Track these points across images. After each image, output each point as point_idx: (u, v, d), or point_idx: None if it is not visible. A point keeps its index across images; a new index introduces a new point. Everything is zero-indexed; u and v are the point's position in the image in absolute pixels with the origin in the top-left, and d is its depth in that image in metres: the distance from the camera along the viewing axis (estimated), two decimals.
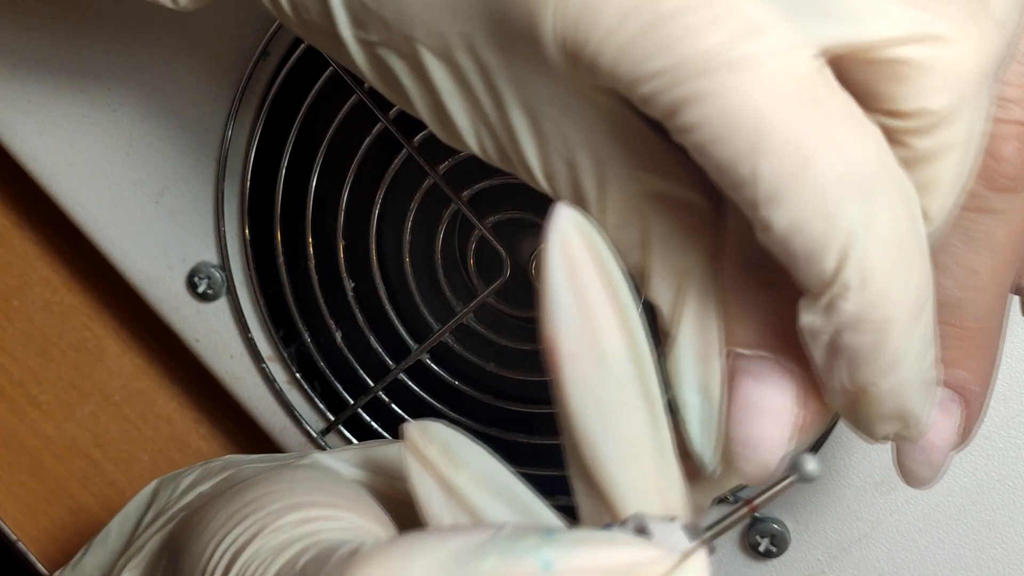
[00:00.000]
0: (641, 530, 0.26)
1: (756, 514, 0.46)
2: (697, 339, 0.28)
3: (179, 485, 0.38)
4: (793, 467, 0.26)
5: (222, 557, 0.29)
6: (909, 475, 0.32)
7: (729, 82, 0.24)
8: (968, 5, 0.25)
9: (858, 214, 0.25)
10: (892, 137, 0.26)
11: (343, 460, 0.36)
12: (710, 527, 0.26)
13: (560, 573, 0.23)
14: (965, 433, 0.32)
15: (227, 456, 0.39)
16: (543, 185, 0.29)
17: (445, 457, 0.29)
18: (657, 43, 0.24)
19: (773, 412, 0.28)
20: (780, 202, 0.24)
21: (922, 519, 0.45)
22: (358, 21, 0.29)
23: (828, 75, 0.25)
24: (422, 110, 0.30)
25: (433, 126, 0.30)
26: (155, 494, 0.39)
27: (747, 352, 0.28)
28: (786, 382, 0.28)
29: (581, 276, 0.27)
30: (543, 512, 0.29)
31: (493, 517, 0.28)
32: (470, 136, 0.29)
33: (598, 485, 0.28)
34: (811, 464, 0.26)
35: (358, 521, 0.30)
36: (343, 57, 0.30)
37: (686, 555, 0.24)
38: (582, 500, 0.28)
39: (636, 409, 0.27)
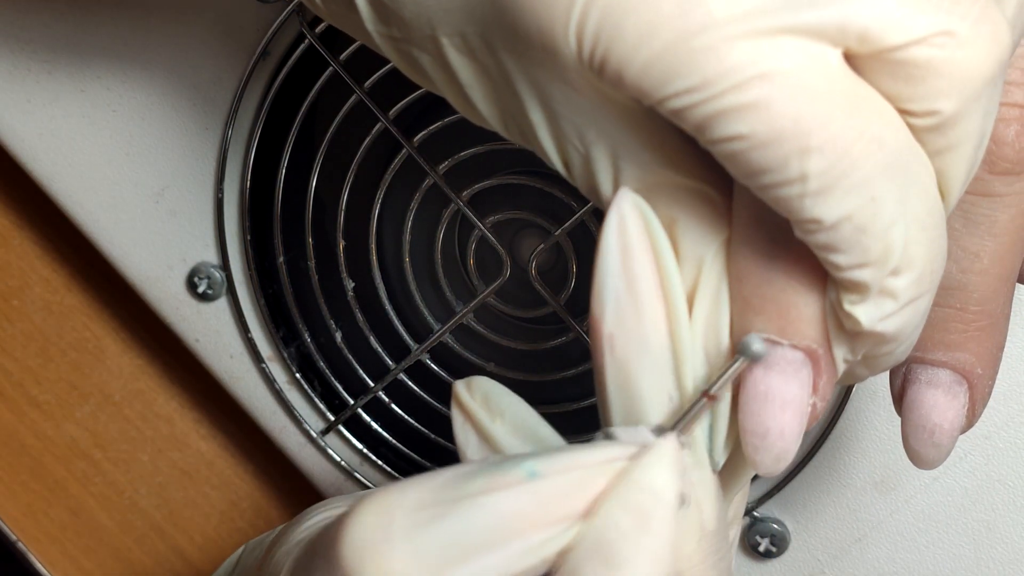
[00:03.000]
0: (609, 437, 0.28)
1: (756, 514, 0.46)
2: (708, 331, 0.29)
3: (263, 543, 0.38)
4: (740, 350, 0.27)
5: (271, 566, 0.31)
6: (916, 457, 0.33)
7: (766, 92, 0.25)
8: (980, 3, 0.25)
9: (899, 196, 0.26)
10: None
11: None
12: (675, 425, 0.27)
13: (543, 476, 0.26)
14: (971, 415, 0.32)
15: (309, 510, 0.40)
16: (562, 173, 0.30)
17: (484, 407, 0.30)
18: (683, 60, 0.25)
19: (787, 402, 0.28)
20: (830, 196, 0.25)
21: (922, 519, 0.45)
22: (381, 18, 0.30)
23: (851, 72, 0.26)
24: (448, 96, 0.31)
25: (460, 110, 0.31)
26: (239, 560, 0.40)
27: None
28: (799, 371, 0.28)
29: (634, 262, 0.28)
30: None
31: None
32: (495, 122, 0.30)
33: None
34: (756, 344, 0.27)
35: None
36: (374, 48, 0.31)
37: (652, 445, 0.26)
38: None
39: (669, 400, 0.28)
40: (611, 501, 0.26)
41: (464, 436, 0.30)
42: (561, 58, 0.26)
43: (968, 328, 0.31)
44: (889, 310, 0.27)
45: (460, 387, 0.31)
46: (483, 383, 0.31)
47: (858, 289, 0.26)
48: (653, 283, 0.28)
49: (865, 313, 0.27)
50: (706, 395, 0.27)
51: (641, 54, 0.25)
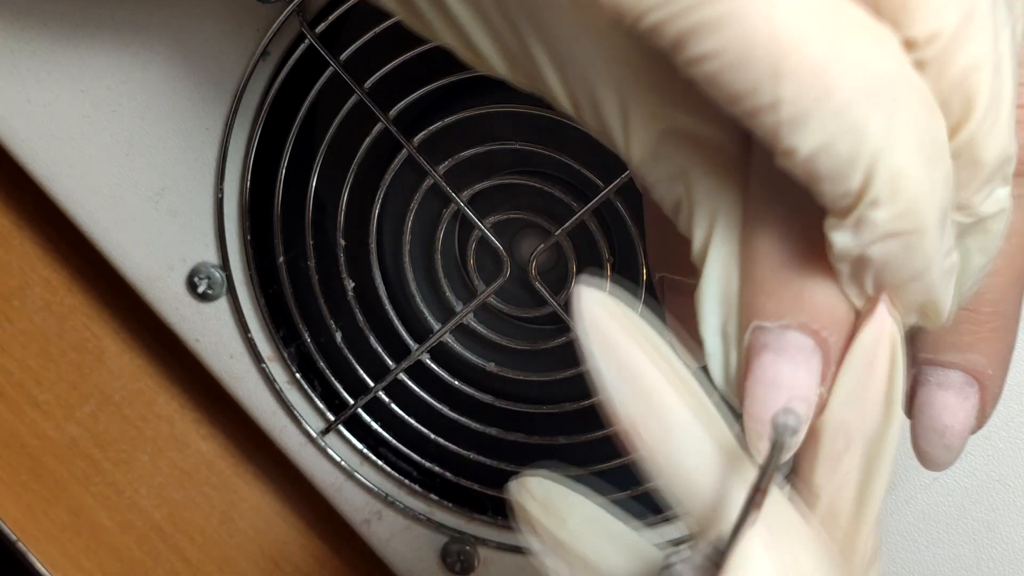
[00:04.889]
0: None
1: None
2: (722, 283, 0.28)
3: None
4: (772, 446, 0.26)
5: None
6: (926, 458, 0.32)
7: (741, 6, 0.23)
8: None
9: (883, 125, 0.24)
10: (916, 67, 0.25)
11: None
12: (732, 538, 0.26)
13: None
14: (981, 416, 0.32)
15: None
16: (572, 114, 0.29)
17: (548, 514, 0.30)
18: None
19: (793, 389, 0.27)
20: (805, 124, 0.24)
21: (922, 519, 0.45)
22: None
23: None
24: (450, 41, 0.29)
25: (465, 58, 0.30)
26: None
27: (770, 324, 0.27)
28: (809, 359, 0.27)
29: (618, 351, 0.27)
30: (643, 546, 0.30)
31: (601, 561, 0.29)
32: (499, 67, 0.29)
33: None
34: (788, 418, 0.26)
35: None
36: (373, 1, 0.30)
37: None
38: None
39: (714, 464, 0.28)
40: None
41: (536, 544, 0.30)
42: None
43: (980, 329, 0.31)
44: (867, 239, 0.25)
45: (519, 493, 0.30)
46: (539, 487, 0.30)
47: (837, 215, 0.25)
48: (646, 362, 0.27)
49: (839, 243, 0.25)
50: (753, 504, 0.26)
51: None
